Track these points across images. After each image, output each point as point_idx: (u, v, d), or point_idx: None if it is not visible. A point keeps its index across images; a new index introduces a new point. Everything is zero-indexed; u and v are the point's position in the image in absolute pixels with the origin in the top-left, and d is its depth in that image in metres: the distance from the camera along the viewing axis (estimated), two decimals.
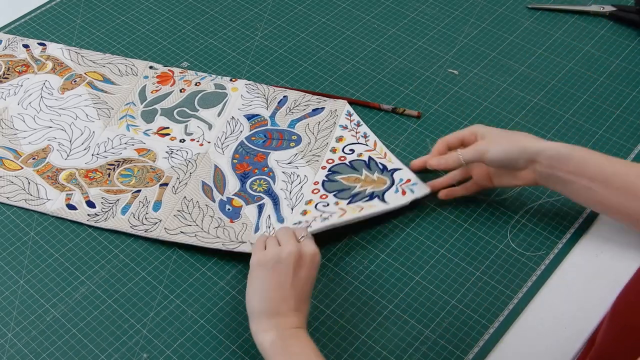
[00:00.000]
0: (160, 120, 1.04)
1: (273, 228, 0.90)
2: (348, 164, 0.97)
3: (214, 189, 0.96)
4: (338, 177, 0.96)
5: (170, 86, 1.09)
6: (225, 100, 1.06)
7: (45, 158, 1.00)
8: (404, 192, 0.92)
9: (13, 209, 0.96)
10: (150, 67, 1.11)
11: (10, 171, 0.99)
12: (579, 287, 0.87)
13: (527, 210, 0.94)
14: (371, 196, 0.92)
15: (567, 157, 0.84)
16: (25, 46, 1.15)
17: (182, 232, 0.91)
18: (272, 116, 1.04)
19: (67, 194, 0.96)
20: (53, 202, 0.95)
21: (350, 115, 1.03)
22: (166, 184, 0.97)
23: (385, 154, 0.98)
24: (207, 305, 0.87)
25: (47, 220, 0.95)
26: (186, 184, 0.96)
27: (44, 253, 0.92)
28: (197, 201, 0.94)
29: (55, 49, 1.14)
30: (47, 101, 1.07)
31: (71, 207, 0.95)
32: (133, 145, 1.01)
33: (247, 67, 1.13)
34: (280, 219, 0.92)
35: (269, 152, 1.00)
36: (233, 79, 1.09)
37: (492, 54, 1.14)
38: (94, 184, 0.97)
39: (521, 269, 0.89)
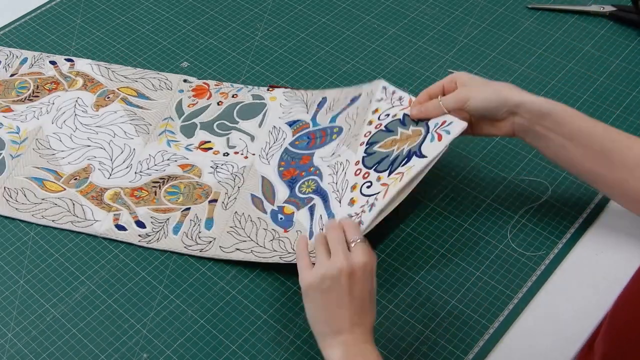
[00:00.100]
0: (201, 135, 1.02)
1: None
2: (384, 128, 0.92)
3: (264, 200, 0.94)
4: (375, 148, 0.92)
5: (207, 99, 1.07)
6: (265, 110, 1.05)
7: (88, 178, 0.97)
8: (439, 137, 0.86)
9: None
10: (185, 81, 1.09)
11: (52, 193, 0.96)
12: (579, 287, 0.87)
13: (527, 210, 0.94)
14: (409, 156, 0.87)
15: (547, 113, 0.83)
16: (53, 63, 1.12)
17: (237, 249, 0.90)
18: (314, 118, 1.02)
19: (114, 214, 0.93)
20: (101, 224, 0.93)
21: (385, 88, 0.97)
22: (215, 200, 0.95)
23: None
24: (207, 305, 0.87)
25: None
26: (235, 198, 0.94)
27: (44, 253, 0.92)
28: (249, 215, 0.92)
29: (84, 65, 1.12)
30: (81, 119, 1.04)
31: (120, 227, 0.92)
32: (176, 161, 0.99)
33: (247, 67, 1.13)
34: (331, 215, 0.89)
35: (314, 152, 0.98)
36: (270, 89, 1.08)
37: (492, 54, 1.14)
38: (141, 203, 0.94)
39: (521, 269, 0.89)
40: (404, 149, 0.88)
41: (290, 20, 1.21)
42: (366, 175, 0.90)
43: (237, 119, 1.04)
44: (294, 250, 0.88)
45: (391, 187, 0.86)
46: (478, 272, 0.88)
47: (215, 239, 0.91)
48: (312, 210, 0.91)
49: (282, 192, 0.95)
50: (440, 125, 0.87)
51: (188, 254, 0.90)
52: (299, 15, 1.22)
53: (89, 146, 1.01)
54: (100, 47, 1.17)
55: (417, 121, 0.90)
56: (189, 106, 1.06)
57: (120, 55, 1.15)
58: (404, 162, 0.87)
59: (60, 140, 1.02)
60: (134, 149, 1.01)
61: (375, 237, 0.92)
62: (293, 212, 0.92)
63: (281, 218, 0.92)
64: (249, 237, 0.90)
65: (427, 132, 0.87)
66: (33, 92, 1.08)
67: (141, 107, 1.06)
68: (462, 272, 0.89)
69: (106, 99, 1.07)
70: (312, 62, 1.14)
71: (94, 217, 0.93)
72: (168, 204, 0.94)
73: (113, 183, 0.97)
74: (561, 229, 0.92)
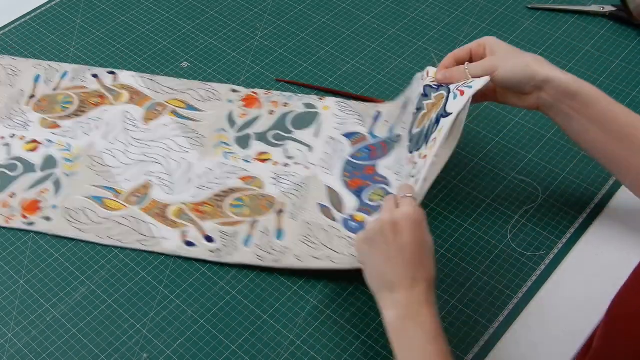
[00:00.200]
0: (257, 146, 1.01)
1: None
2: (415, 110, 0.93)
3: (333, 209, 0.93)
4: (414, 130, 0.92)
5: (258, 109, 1.06)
6: (319, 119, 1.04)
7: (148, 194, 0.95)
8: (462, 92, 0.85)
9: None
10: (233, 91, 1.08)
11: (114, 211, 0.93)
12: (579, 287, 0.87)
13: (527, 210, 0.94)
14: (437, 120, 0.86)
15: (575, 92, 0.83)
16: (94, 76, 1.10)
17: (314, 257, 0.88)
18: (371, 132, 1.01)
19: (182, 231, 0.91)
20: (169, 241, 0.91)
21: (419, 78, 0.96)
22: (282, 211, 0.93)
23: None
24: (207, 305, 0.87)
25: None
26: (303, 208, 0.93)
27: (44, 253, 0.92)
28: (320, 224, 0.92)
29: (127, 77, 1.10)
30: (133, 133, 1.02)
31: (190, 244, 0.90)
32: (236, 173, 0.98)
33: (247, 67, 1.13)
34: None
35: (377, 162, 0.97)
36: (322, 98, 1.07)
37: None
38: (207, 218, 0.93)
39: (521, 269, 0.89)
40: (432, 117, 0.88)
41: (290, 20, 1.21)
42: (411, 161, 0.90)
43: (291, 129, 1.03)
44: None
45: (430, 154, 0.85)
46: (478, 272, 0.88)
47: (289, 248, 0.90)
48: None
49: (350, 201, 0.94)
50: (462, 85, 0.86)
51: (262, 266, 0.89)
52: (299, 15, 1.22)
53: (144, 161, 0.99)
54: (100, 47, 1.17)
55: (437, 87, 0.89)
56: (240, 116, 1.05)
57: (120, 55, 1.15)
58: (434, 128, 0.86)
59: (114, 157, 1.00)
60: (191, 162, 0.99)
61: None
62: (364, 219, 0.91)
63: (353, 225, 0.91)
64: (324, 245, 0.89)
65: (449, 92, 0.86)
66: (79, 107, 1.06)
67: (192, 119, 1.04)
68: (462, 272, 0.89)
69: (155, 111, 1.05)
70: (312, 62, 1.14)
71: (161, 234, 0.91)
72: (234, 217, 0.93)
73: (175, 199, 0.95)
74: (561, 229, 0.92)
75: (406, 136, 0.96)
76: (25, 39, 1.19)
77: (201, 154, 1.00)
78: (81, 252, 0.92)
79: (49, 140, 1.02)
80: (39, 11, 1.23)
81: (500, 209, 0.94)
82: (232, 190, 0.96)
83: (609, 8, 1.18)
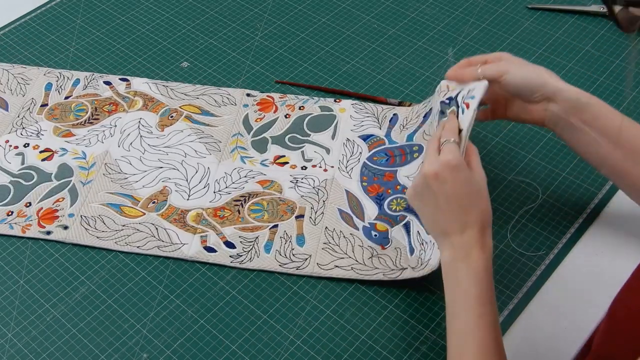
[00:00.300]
0: (274, 149, 1.01)
1: (425, 243, 0.86)
2: (437, 125, 0.91)
3: (354, 216, 0.93)
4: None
5: (274, 112, 1.05)
6: (335, 122, 1.04)
7: (166, 201, 0.95)
8: (467, 105, 0.84)
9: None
10: (248, 95, 1.08)
11: (132, 218, 0.93)
12: (579, 287, 0.87)
13: (527, 210, 0.94)
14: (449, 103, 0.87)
15: (585, 105, 0.82)
16: (107, 83, 1.10)
17: (336, 266, 0.88)
18: (388, 135, 1.01)
19: (201, 236, 0.91)
20: (189, 247, 0.90)
21: (439, 87, 0.95)
22: (302, 216, 0.93)
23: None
24: (207, 305, 0.87)
25: None
26: (323, 213, 0.93)
27: (44, 253, 0.92)
28: (341, 231, 0.91)
29: (140, 84, 1.09)
30: (148, 140, 1.02)
31: (210, 249, 0.90)
32: (254, 177, 0.97)
33: (247, 67, 1.13)
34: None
35: (397, 169, 0.96)
36: (337, 100, 1.07)
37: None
38: (227, 223, 0.92)
39: (521, 269, 0.89)
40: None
41: (290, 20, 1.21)
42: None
43: (308, 132, 1.03)
44: (395, 266, 0.87)
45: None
46: None
47: (310, 256, 0.89)
48: (407, 227, 0.90)
49: (370, 208, 0.93)
50: (466, 95, 0.86)
51: (284, 272, 0.89)
52: (299, 15, 1.22)
53: (161, 168, 0.99)
54: (100, 47, 1.17)
55: (449, 101, 0.88)
56: (256, 120, 1.04)
57: (120, 55, 1.15)
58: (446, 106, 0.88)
59: (130, 164, 0.99)
60: (209, 167, 0.99)
61: None
62: (387, 230, 0.91)
63: (375, 235, 0.91)
64: (346, 254, 0.89)
65: (458, 107, 0.86)
66: (92, 115, 1.06)
67: (207, 124, 1.04)
68: None
69: (170, 117, 1.05)
70: (312, 62, 1.14)
71: (180, 240, 0.91)
72: (254, 222, 0.93)
73: (193, 204, 0.95)
74: (561, 229, 0.92)
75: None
76: (25, 39, 1.19)
77: (218, 158, 1.00)
78: (81, 252, 0.92)
79: (63, 149, 1.02)
80: (39, 11, 1.23)
81: (500, 209, 0.94)
82: (251, 195, 0.96)
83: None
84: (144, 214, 0.94)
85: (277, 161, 1.00)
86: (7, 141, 1.03)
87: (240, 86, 1.10)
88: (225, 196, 0.96)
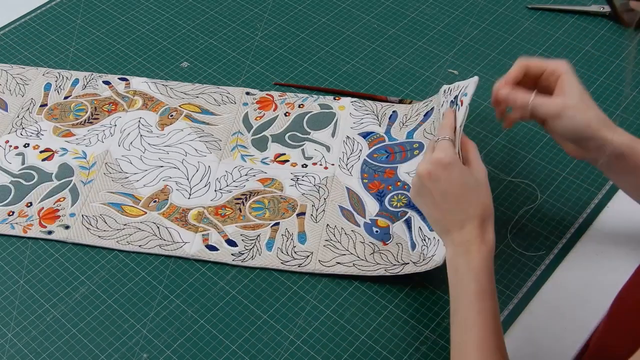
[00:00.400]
0: (274, 147, 1.01)
1: (428, 239, 0.87)
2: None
3: (355, 213, 0.93)
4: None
5: (273, 111, 1.05)
6: (335, 119, 1.04)
7: (167, 199, 0.95)
8: (462, 102, 0.85)
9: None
10: (247, 93, 1.08)
11: (133, 217, 0.93)
12: (579, 287, 0.87)
13: (527, 210, 0.94)
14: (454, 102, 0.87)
15: (627, 156, 0.80)
16: (106, 83, 1.10)
17: (338, 262, 0.89)
18: (387, 132, 1.01)
19: (202, 235, 0.91)
20: (190, 245, 0.91)
21: (445, 91, 0.95)
22: (303, 213, 0.93)
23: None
24: (207, 305, 0.87)
25: None
26: (324, 210, 0.94)
27: (44, 253, 0.92)
28: (342, 228, 0.92)
29: (139, 83, 1.09)
30: (148, 139, 1.02)
31: (211, 248, 0.90)
32: (254, 176, 0.98)
33: (247, 67, 1.13)
34: (430, 228, 0.87)
35: (397, 166, 0.97)
36: (337, 97, 1.07)
37: (492, 54, 1.14)
38: (228, 221, 0.93)
39: (521, 269, 0.89)
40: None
41: (290, 20, 1.21)
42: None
43: (308, 130, 1.03)
44: (397, 261, 0.87)
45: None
46: None
47: (312, 253, 0.90)
48: (408, 222, 0.90)
49: (371, 204, 0.94)
50: (462, 92, 0.87)
51: (286, 270, 0.89)
52: (299, 15, 1.22)
53: (161, 167, 0.99)
54: (100, 47, 1.17)
55: (454, 100, 0.88)
56: (256, 119, 1.05)
57: (120, 55, 1.15)
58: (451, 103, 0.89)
59: (131, 163, 0.99)
60: (209, 166, 0.99)
61: None
62: (388, 226, 0.91)
63: (376, 231, 0.91)
64: (347, 250, 0.89)
65: (455, 104, 0.87)
66: (92, 115, 1.06)
67: (207, 123, 1.04)
68: None
69: (169, 117, 1.05)
70: (312, 62, 1.14)
71: (181, 239, 0.91)
72: (255, 220, 0.93)
73: (194, 203, 0.95)
74: (561, 229, 0.92)
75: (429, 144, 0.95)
76: (25, 39, 1.19)
77: (218, 157, 1.00)
78: (81, 252, 0.92)
79: (64, 149, 1.02)
80: (39, 11, 1.23)
81: (500, 209, 0.94)
82: (252, 193, 0.96)
83: (609, 8, 1.18)
84: (145, 213, 0.94)
85: (277, 159, 1.00)
86: (7, 141, 1.03)
87: (240, 86, 1.10)
88: (227, 194, 0.96)
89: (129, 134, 1.03)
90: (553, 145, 1.01)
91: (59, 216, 0.94)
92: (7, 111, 1.07)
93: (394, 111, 1.04)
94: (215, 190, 0.96)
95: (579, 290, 0.87)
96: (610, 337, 0.74)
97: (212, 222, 0.93)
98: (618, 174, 0.84)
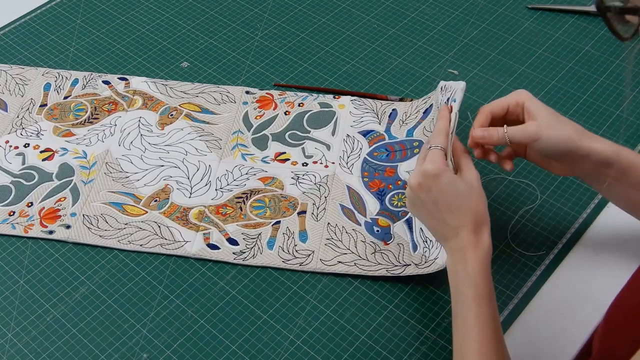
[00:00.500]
0: (275, 146, 1.01)
1: (430, 241, 0.87)
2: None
3: (356, 212, 0.93)
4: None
5: (273, 110, 1.05)
6: (335, 118, 1.04)
7: (168, 199, 0.95)
8: (451, 108, 0.85)
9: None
10: (247, 92, 1.08)
11: (134, 217, 0.93)
12: (579, 287, 0.87)
13: (527, 210, 0.94)
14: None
15: (614, 162, 0.80)
16: (106, 82, 1.10)
17: (339, 261, 0.89)
18: (387, 130, 1.01)
19: (204, 234, 0.91)
20: (192, 244, 0.91)
21: (442, 88, 0.95)
22: (304, 212, 0.94)
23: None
24: (207, 305, 0.87)
25: None
26: (325, 208, 0.94)
27: (44, 253, 0.92)
28: (343, 226, 0.92)
29: (139, 83, 1.09)
30: (149, 139, 1.02)
31: (213, 246, 0.90)
32: (255, 174, 0.98)
33: (247, 67, 1.13)
34: None
35: (397, 165, 0.97)
36: (337, 96, 1.07)
37: (492, 54, 1.14)
38: (229, 220, 0.93)
39: (521, 269, 0.89)
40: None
41: (290, 20, 1.21)
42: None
43: (308, 128, 1.03)
44: (399, 262, 0.88)
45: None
46: None
47: (313, 251, 0.90)
48: (409, 223, 0.91)
49: (371, 203, 0.94)
50: (451, 97, 0.87)
51: (287, 268, 0.89)
52: (299, 15, 1.22)
53: (162, 166, 0.99)
54: (100, 47, 1.17)
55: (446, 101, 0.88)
56: (256, 118, 1.05)
57: (120, 55, 1.15)
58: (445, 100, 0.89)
59: (132, 162, 0.99)
60: (210, 165, 0.99)
61: None
62: (389, 225, 0.91)
63: (377, 230, 0.91)
64: (349, 249, 0.90)
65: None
66: (92, 114, 1.06)
67: (207, 122, 1.04)
68: None
69: (169, 116, 1.05)
70: (312, 62, 1.14)
71: (183, 238, 0.91)
72: (256, 218, 0.93)
73: (195, 202, 0.95)
74: (561, 229, 0.92)
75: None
76: (25, 39, 1.19)
77: (219, 156, 1.00)
78: (81, 252, 0.92)
79: (64, 149, 1.02)
80: (39, 11, 1.23)
81: (500, 209, 0.94)
82: (253, 192, 0.96)
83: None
84: (146, 212, 0.94)
85: (278, 158, 1.00)
86: (7, 141, 1.03)
87: (240, 86, 1.10)
88: (227, 193, 0.96)
89: (129, 133, 1.03)
90: None
91: (59, 216, 0.94)
92: (6, 111, 1.07)
93: (393, 109, 1.04)
94: (216, 189, 0.96)
95: (579, 290, 0.87)
96: (610, 339, 0.74)
97: (213, 221, 0.93)
98: (602, 184, 0.83)
